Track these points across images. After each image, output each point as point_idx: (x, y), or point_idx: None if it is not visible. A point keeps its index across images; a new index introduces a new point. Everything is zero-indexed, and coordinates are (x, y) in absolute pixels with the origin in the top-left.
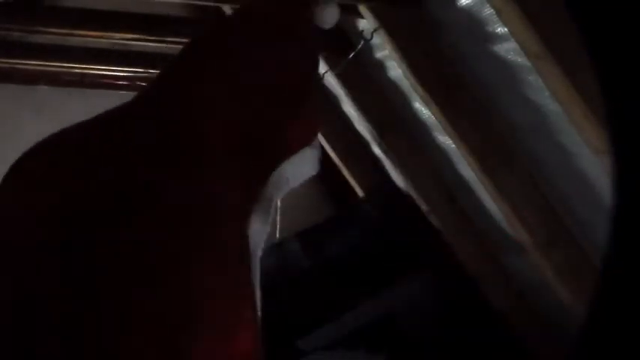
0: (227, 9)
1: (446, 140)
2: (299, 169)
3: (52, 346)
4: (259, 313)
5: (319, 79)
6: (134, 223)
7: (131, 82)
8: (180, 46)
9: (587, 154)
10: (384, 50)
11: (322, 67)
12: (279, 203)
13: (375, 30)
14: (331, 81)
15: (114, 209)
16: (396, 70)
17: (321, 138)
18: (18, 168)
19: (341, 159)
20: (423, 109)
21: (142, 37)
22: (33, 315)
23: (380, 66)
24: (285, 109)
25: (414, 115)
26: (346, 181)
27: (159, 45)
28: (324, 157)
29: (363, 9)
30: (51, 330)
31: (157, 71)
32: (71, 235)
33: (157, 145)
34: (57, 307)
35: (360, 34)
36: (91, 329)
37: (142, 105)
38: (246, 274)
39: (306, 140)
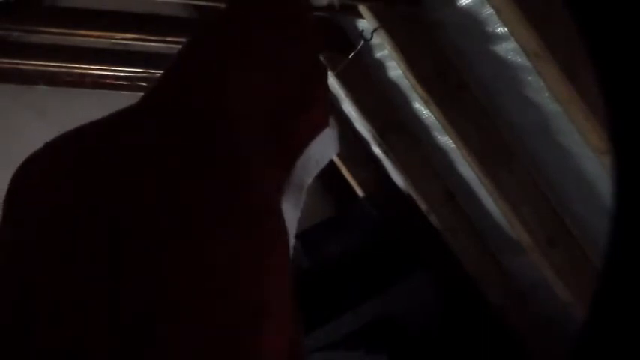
0: None
1: (446, 140)
2: (324, 149)
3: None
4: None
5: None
6: (168, 211)
7: (131, 82)
8: (180, 46)
9: (587, 154)
10: (384, 50)
11: None
12: None
13: (375, 30)
14: (331, 81)
15: (143, 203)
16: (396, 70)
17: None
18: (29, 166)
19: (341, 159)
20: (423, 109)
21: (142, 37)
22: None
23: (380, 66)
24: (306, 90)
25: (414, 115)
26: (346, 181)
27: (159, 45)
28: None
29: (363, 9)
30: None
31: (157, 71)
32: (99, 230)
33: (180, 138)
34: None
35: (360, 34)
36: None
37: (157, 99)
38: (287, 265)
39: (325, 121)
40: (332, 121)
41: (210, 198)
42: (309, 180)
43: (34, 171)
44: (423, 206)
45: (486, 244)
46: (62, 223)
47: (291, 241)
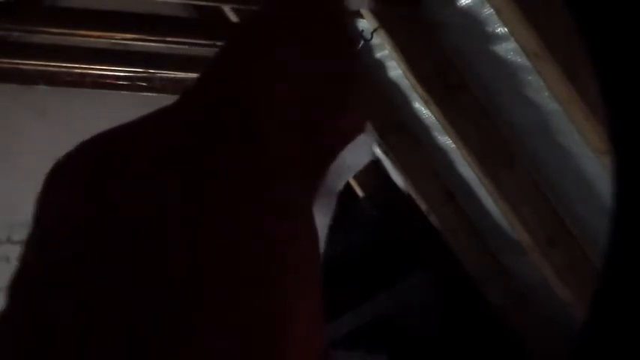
0: (227, 9)
1: (446, 140)
2: (358, 155)
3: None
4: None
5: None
6: (200, 211)
7: (131, 82)
8: (180, 46)
9: (587, 154)
10: (384, 50)
11: None
12: None
13: (375, 30)
14: None
15: (176, 205)
16: (396, 70)
17: None
18: (61, 167)
19: None
20: (423, 109)
21: (142, 37)
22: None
23: (380, 66)
24: (340, 94)
25: (414, 115)
26: (346, 182)
27: (159, 45)
28: None
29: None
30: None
31: (157, 71)
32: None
33: (205, 139)
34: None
35: (360, 34)
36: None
37: (189, 100)
38: (317, 273)
39: (361, 126)
40: (369, 127)
41: (232, 198)
42: (342, 185)
43: (65, 172)
44: (423, 206)
45: (486, 244)
46: (84, 225)
47: (322, 246)
